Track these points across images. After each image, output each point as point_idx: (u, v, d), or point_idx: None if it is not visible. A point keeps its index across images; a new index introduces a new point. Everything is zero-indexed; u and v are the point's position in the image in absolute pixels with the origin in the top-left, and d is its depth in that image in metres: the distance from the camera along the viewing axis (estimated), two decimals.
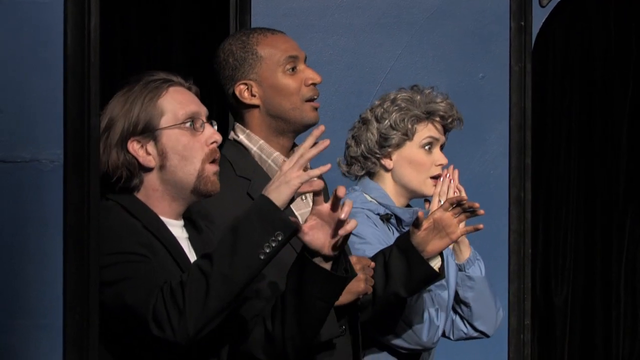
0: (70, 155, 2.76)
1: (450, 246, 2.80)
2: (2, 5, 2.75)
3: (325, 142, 2.32)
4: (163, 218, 2.44)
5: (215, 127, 2.50)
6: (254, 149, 2.83)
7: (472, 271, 3.05)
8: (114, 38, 4.69)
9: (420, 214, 2.72)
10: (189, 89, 2.49)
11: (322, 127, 2.35)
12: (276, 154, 2.79)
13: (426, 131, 3.00)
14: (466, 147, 4.11)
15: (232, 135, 2.86)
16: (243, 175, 2.74)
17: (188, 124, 2.42)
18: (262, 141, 2.83)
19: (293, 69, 2.78)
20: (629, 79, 5.20)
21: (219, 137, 2.43)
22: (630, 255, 5.29)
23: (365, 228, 2.92)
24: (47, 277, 2.72)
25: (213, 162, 2.43)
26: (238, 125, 2.83)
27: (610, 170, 5.32)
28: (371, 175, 3.06)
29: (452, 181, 2.92)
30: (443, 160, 3.02)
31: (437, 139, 3.02)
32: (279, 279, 2.49)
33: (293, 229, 2.26)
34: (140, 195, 2.45)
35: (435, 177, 2.99)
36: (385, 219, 3.02)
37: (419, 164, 3.01)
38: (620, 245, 5.33)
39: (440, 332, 3.00)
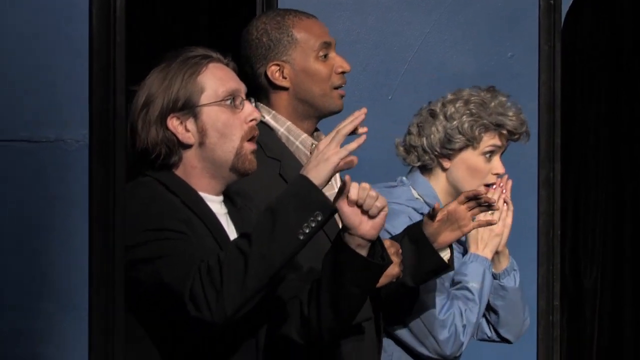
0: (95, 135, 2.78)
1: (490, 256, 2.80)
2: None
3: (362, 112, 2.30)
4: (202, 194, 2.43)
5: (254, 104, 2.47)
6: (281, 130, 2.82)
7: (507, 281, 3.01)
8: (139, 18, 4.72)
9: (436, 205, 2.69)
10: (227, 65, 2.45)
11: (364, 109, 2.33)
12: (304, 135, 2.80)
13: (491, 140, 2.96)
14: None
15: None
16: (272, 156, 2.75)
17: (228, 102, 2.38)
18: (289, 122, 2.83)
19: (325, 55, 2.79)
20: None
21: (258, 115, 2.41)
22: None
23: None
24: (72, 258, 2.74)
25: (251, 139, 2.39)
26: (263, 106, 2.83)
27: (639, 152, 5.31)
28: (425, 169, 3.02)
29: (503, 191, 2.92)
30: (501, 169, 2.97)
31: (499, 147, 2.99)
32: (316, 262, 2.47)
33: (332, 209, 2.24)
34: (179, 172, 2.42)
35: (489, 185, 2.96)
36: (431, 218, 2.89)
37: (477, 171, 2.97)
38: None
39: (464, 347, 2.96)
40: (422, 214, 2.96)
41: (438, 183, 3.04)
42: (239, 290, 2.23)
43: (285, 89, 2.77)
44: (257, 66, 2.77)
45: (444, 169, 2.99)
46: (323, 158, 2.27)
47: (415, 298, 2.85)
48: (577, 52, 5.02)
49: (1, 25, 2.80)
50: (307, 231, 2.21)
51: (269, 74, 2.76)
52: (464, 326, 2.90)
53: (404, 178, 3.06)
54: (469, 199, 2.76)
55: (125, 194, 2.36)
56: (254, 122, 2.39)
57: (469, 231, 2.78)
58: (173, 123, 2.35)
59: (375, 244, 2.35)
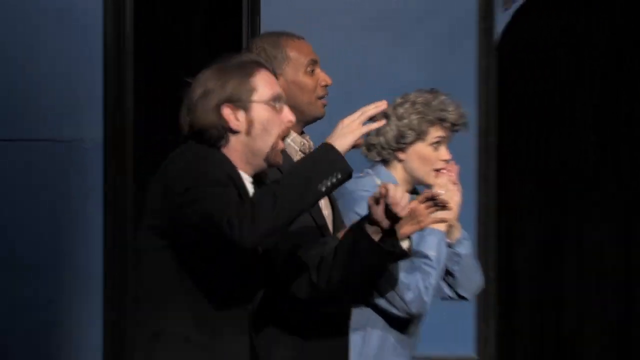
0: (109, 135, 3.19)
1: (445, 229, 3.39)
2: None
3: (383, 103, 2.71)
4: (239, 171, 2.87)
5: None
6: None
7: (460, 249, 3.47)
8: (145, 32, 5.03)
9: (381, 189, 3.25)
10: (273, 73, 2.86)
11: (385, 101, 2.72)
12: (294, 134, 3.33)
13: (436, 132, 3.40)
14: None
15: None
16: None
17: (274, 103, 2.79)
18: None
19: (312, 70, 3.20)
20: (589, 82, 5.63)
21: (293, 118, 2.81)
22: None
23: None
24: (87, 247, 3.12)
25: (283, 138, 2.82)
26: None
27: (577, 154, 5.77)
28: (385, 162, 3.48)
29: (455, 174, 3.46)
30: (447, 156, 3.42)
31: (444, 138, 3.43)
32: (299, 234, 2.91)
33: (349, 171, 2.67)
34: (223, 151, 2.82)
35: (438, 170, 3.42)
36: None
37: (427, 159, 3.43)
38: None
39: (427, 305, 3.35)
40: None
41: (397, 172, 3.47)
42: (266, 222, 2.59)
43: None
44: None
45: (400, 160, 3.42)
46: (349, 130, 2.69)
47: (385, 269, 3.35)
48: (511, 70, 5.38)
49: (26, 39, 3.16)
50: (328, 184, 2.64)
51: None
52: (426, 288, 3.30)
53: (369, 170, 3.49)
54: (428, 199, 3.33)
55: (176, 153, 2.71)
56: (290, 123, 2.78)
57: (426, 225, 3.32)
58: (227, 112, 2.71)
59: (391, 232, 2.83)
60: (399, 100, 3.48)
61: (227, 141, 2.77)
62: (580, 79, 5.55)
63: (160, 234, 2.69)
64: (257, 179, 2.91)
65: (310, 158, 2.69)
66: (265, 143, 2.77)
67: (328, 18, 4.88)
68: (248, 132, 2.75)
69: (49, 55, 3.25)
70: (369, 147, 3.48)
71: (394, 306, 3.36)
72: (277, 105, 2.78)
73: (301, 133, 3.28)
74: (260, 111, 2.77)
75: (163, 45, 5.05)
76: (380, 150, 3.45)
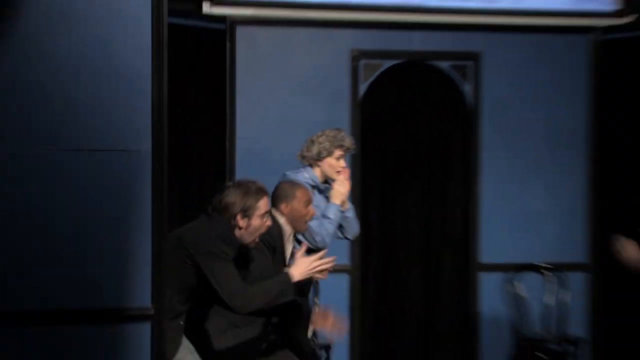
0: (154, 145, 3.70)
1: (339, 203, 5.11)
2: (95, 35, 3.56)
3: (332, 260, 4.45)
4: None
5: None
6: None
7: (347, 213, 5.22)
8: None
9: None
10: (269, 196, 4.42)
11: (333, 259, 4.42)
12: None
13: (338, 152, 5.20)
14: None
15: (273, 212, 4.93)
16: None
17: (263, 218, 4.35)
18: None
19: (308, 204, 4.99)
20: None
21: (270, 223, 4.40)
22: None
23: (315, 194, 5.11)
24: (138, 238, 3.60)
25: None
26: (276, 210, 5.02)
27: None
28: (311, 166, 5.22)
29: (347, 175, 5.22)
30: (343, 164, 5.22)
31: (343, 155, 5.21)
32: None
33: (293, 290, 4.29)
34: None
35: (339, 172, 5.21)
36: (315, 187, 5.15)
37: (333, 166, 5.22)
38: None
39: (328, 243, 5.06)
40: (311, 185, 5.04)
41: (317, 172, 5.16)
42: (255, 305, 4.23)
43: None
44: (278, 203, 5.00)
45: (319, 166, 5.17)
46: (306, 270, 4.25)
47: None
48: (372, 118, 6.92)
49: (89, 64, 3.55)
50: (285, 298, 4.26)
51: (282, 207, 4.98)
52: (327, 235, 5.04)
53: (302, 169, 5.19)
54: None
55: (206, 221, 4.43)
56: (268, 225, 4.37)
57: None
58: (238, 218, 4.31)
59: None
60: (319, 133, 5.23)
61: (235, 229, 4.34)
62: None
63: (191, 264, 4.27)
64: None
65: (280, 279, 4.24)
66: (253, 235, 4.38)
67: (273, 84, 6.68)
68: (246, 228, 4.35)
69: (104, 83, 3.61)
70: (303, 157, 5.20)
71: (315, 241, 5.02)
72: (264, 219, 4.35)
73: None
74: (256, 221, 4.35)
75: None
76: (309, 159, 5.18)
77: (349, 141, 5.25)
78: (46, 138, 3.54)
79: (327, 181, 5.22)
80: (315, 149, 5.20)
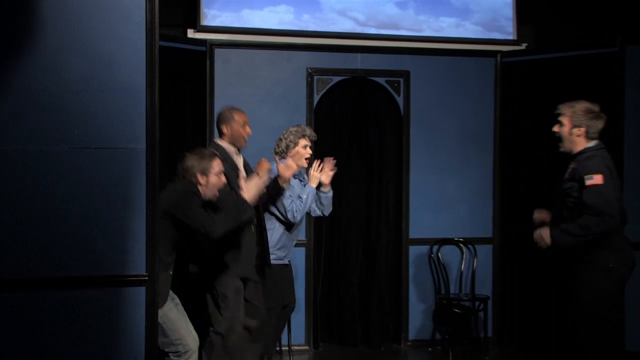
0: (148, 145, 3.66)
1: (315, 185, 5.04)
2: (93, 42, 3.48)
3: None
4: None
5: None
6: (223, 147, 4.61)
7: (328, 194, 5.15)
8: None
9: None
10: (222, 159, 4.43)
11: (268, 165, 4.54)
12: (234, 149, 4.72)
13: (303, 141, 5.11)
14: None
15: (214, 140, 4.82)
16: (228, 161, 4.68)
17: (219, 175, 4.39)
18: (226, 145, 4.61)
19: (244, 124, 4.73)
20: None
21: (224, 180, 4.41)
22: None
23: (291, 179, 5.00)
24: (133, 218, 3.58)
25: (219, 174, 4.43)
26: (217, 138, 4.80)
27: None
28: (284, 158, 5.07)
29: (319, 163, 5.10)
30: (309, 152, 5.11)
31: (308, 145, 5.10)
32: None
33: (252, 214, 4.41)
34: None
35: (307, 159, 5.08)
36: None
37: (301, 154, 5.10)
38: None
39: (299, 220, 4.95)
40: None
41: (288, 159, 4.96)
42: (222, 228, 4.19)
43: (224, 134, 4.76)
44: (220, 126, 4.76)
45: (290, 156, 5.01)
46: (254, 193, 4.29)
47: (280, 200, 4.93)
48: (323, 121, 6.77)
49: (95, 77, 3.50)
50: (246, 216, 4.33)
51: (223, 130, 4.73)
52: (297, 211, 4.90)
53: (278, 158, 5.03)
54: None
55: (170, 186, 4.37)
56: (224, 182, 4.35)
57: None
58: (198, 175, 4.34)
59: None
60: (284, 132, 5.12)
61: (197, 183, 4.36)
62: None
63: (169, 219, 4.23)
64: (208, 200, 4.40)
65: (238, 200, 4.24)
66: (210, 193, 4.37)
67: (237, 89, 6.39)
68: (206, 185, 4.34)
69: (101, 90, 3.55)
70: (276, 153, 5.09)
71: (286, 218, 4.87)
72: (220, 176, 4.34)
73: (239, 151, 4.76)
74: (214, 177, 4.35)
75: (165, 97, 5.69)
76: (280, 151, 5.08)
77: (309, 131, 5.12)
78: (59, 138, 3.53)
79: (301, 172, 5.21)
80: (283, 144, 5.09)
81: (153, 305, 3.63)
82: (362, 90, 6.84)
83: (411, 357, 6.53)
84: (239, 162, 4.68)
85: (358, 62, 6.71)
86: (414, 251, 6.82)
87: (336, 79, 6.72)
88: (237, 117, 4.65)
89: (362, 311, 6.90)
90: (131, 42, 3.58)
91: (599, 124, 4.49)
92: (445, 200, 7.13)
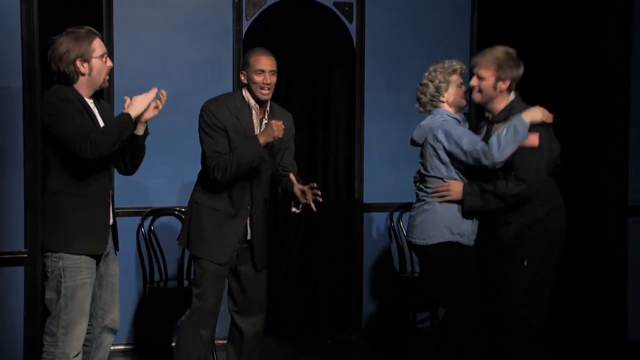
0: (25, 85, 3.63)
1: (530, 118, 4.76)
2: None
3: (153, 92, 4.39)
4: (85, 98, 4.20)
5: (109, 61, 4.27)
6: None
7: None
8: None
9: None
10: (101, 38, 4.21)
11: (155, 90, 4.36)
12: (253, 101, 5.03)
13: (455, 78, 4.93)
14: None
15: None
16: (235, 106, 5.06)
17: (102, 58, 4.21)
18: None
19: (261, 71, 4.93)
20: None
21: (110, 64, 4.27)
22: None
23: (458, 127, 4.84)
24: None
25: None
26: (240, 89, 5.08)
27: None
28: (436, 106, 4.98)
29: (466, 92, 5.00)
30: (464, 88, 4.97)
31: (461, 81, 4.96)
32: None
33: (133, 128, 4.37)
34: (75, 86, 4.16)
35: (465, 92, 5.00)
36: (457, 120, 4.93)
37: (457, 95, 4.96)
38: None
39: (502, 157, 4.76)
40: (454, 119, 4.96)
41: (446, 107, 5.00)
42: (101, 147, 4.07)
43: (245, 84, 5.02)
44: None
45: (444, 102, 5.03)
46: (137, 107, 4.33)
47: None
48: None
49: None
50: (127, 132, 4.28)
51: (241, 77, 5.08)
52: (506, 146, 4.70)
53: (435, 112, 5.03)
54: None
55: (48, 91, 4.09)
56: (110, 67, 4.24)
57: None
58: (77, 63, 4.12)
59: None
60: (425, 74, 5.06)
61: (78, 80, 4.15)
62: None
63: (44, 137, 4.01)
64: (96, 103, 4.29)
65: (120, 116, 4.17)
66: (99, 80, 4.21)
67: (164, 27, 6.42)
68: (89, 74, 4.16)
69: None
70: (422, 104, 5.08)
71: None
72: (104, 58, 4.19)
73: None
74: (97, 62, 4.18)
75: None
76: (430, 102, 5.06)
77: (456, 62, 5.01)
78: None
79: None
80: (431, 87, 4.96)
81: (34, 289, 3.58)
82: (303, 16, 6.76)
83: (364, 350, 6.60)
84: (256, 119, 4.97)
85: None
86: (369, 219, 6.82)
87: (270, 1, 6.62)
88: (254, 62, 5.01)
89: (304, 293, 6.93)
90: None
91: (521, 72, 4.89)
92: (409, 156, 7.16)
